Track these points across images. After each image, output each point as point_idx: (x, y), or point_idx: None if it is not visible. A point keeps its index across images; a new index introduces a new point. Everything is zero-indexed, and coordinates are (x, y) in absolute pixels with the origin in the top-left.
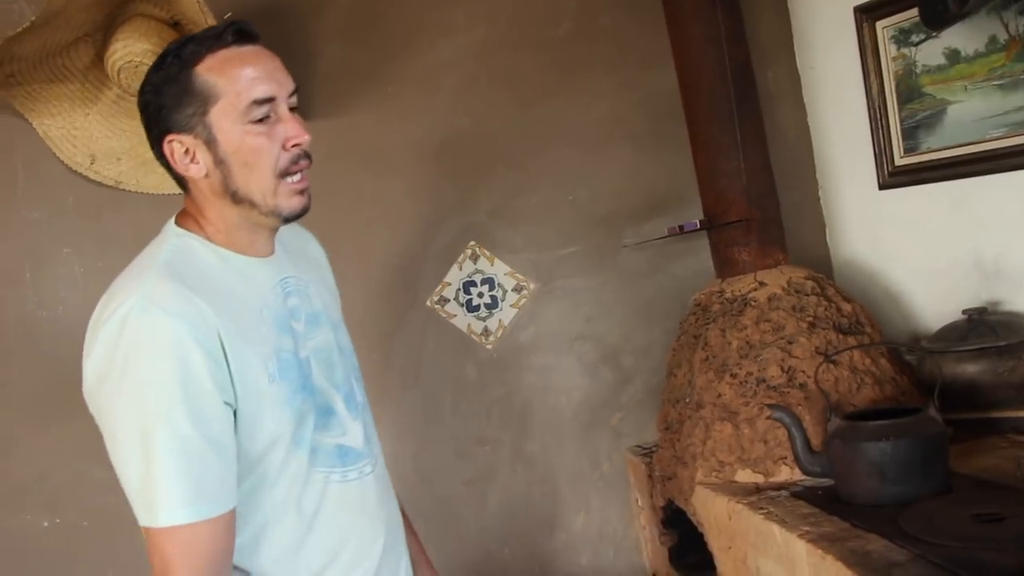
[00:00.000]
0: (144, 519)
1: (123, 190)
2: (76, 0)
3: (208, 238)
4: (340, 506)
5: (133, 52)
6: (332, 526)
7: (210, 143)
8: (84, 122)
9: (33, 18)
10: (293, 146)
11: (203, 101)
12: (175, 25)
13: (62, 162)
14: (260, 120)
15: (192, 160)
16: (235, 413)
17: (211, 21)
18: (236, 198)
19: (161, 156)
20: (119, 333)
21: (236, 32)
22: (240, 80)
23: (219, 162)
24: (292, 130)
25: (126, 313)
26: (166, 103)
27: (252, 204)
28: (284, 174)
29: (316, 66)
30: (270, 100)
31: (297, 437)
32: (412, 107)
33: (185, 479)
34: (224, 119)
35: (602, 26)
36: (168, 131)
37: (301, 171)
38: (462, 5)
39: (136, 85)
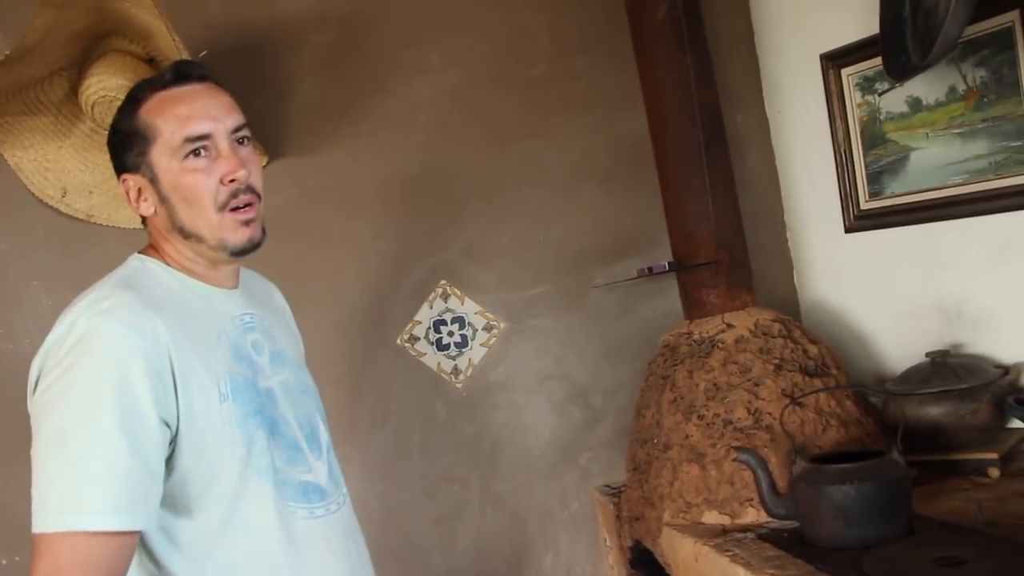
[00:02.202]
0: (40, 523)
1: (94, 224)
2: (52, 36)
3: (170, 265)
4: (308, 542)
5: (108, 87)
6: (299, 563)
7: (153, 181)
8: (57, 155)
9: (7, 52)
10: (230, 181)
11: (145, 141)
12: (150, 61)
13: (33, 195)
14: (197, 157)
15: (142, 198)
16: (176, 435)
17: (186, 57)
18: (184, 233)
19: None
20: (66, 334)
21: (176, 73)
22: (174, 119)
23: (163, 200)
24: (227, 165)
25: (75, 318)
26: (119, 143)
27: (199, 239)
28: (224, 208)
29: (290, 104)
30: (205, 137)
31: (256, 464)
32: (385, 145)
33: (107, 485)
34: (162, 158)
35: (575, 68)
36: (122, 170)
37: (243, 205)
38: (437, 45)
39: (110, 119)
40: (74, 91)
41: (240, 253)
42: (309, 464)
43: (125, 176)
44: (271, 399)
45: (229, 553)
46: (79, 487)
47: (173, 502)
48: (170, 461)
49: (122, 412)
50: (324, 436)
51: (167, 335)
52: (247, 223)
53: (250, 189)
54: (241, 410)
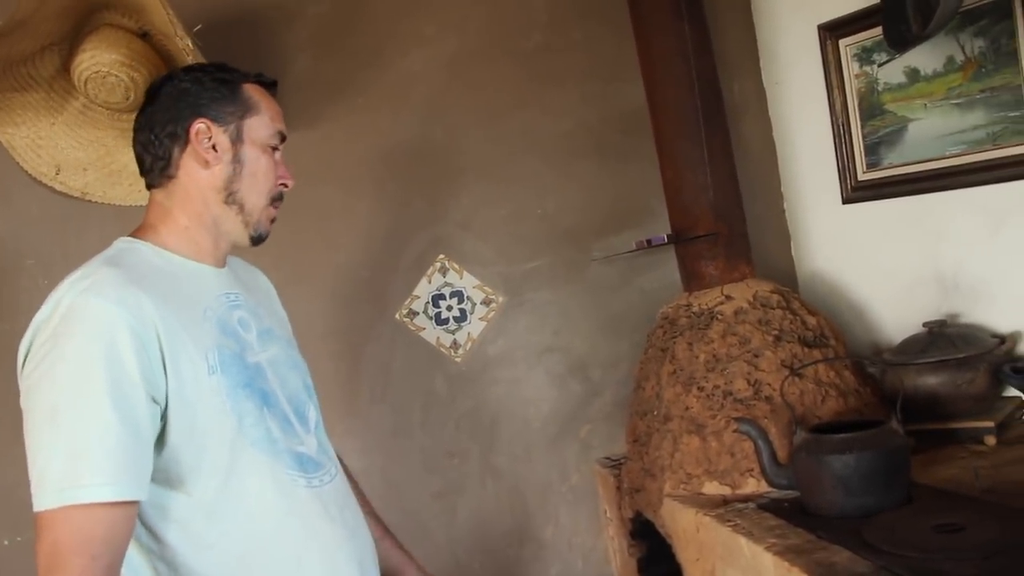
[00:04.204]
0: (40, 501)
1: (89, 201)
2: (42, 9)
3: (160, 245)
4: (309, 511)
5: (101, 62)
6: (300, 530)
7: (236, 142)
8: (49, 132)
9: None
10: (281, 184)
11: (245, 109)
12: (143, 35)
13: (26, 172)
14: (273, 151)
15: (212, 145)
16: (166, 409)
17: (180, 32)
18: (231, 198)
19: (170, 136)
20: (51, 313)
21: (272, 81)
22: (274, 110)
23: (236, 161)
24: (285, 172)
25: (61, 296)
26: (208, 94)
27: (241, 209)
28: (271, 202)
29: (286, 78)
30: (283, 139)
31: (250, 436)
32: (382, 118)
33: (102, 456)
34: (256, 130)
35: (572, 39)
36: (202, 115)
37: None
38: (433, 16)
39: (103, 95)
40: (66, 67)
41: (260, 241)
42: (301, 437)
43: (205, 120)
44: (260, 373)
45: (228, 526)
46: (74, 461)
47: (167, 477)
48: (161, 436)
49: (112, 384)
50: (312, 413)
51: (153, 309)
52: (273, 220)
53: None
54: (230, 381)
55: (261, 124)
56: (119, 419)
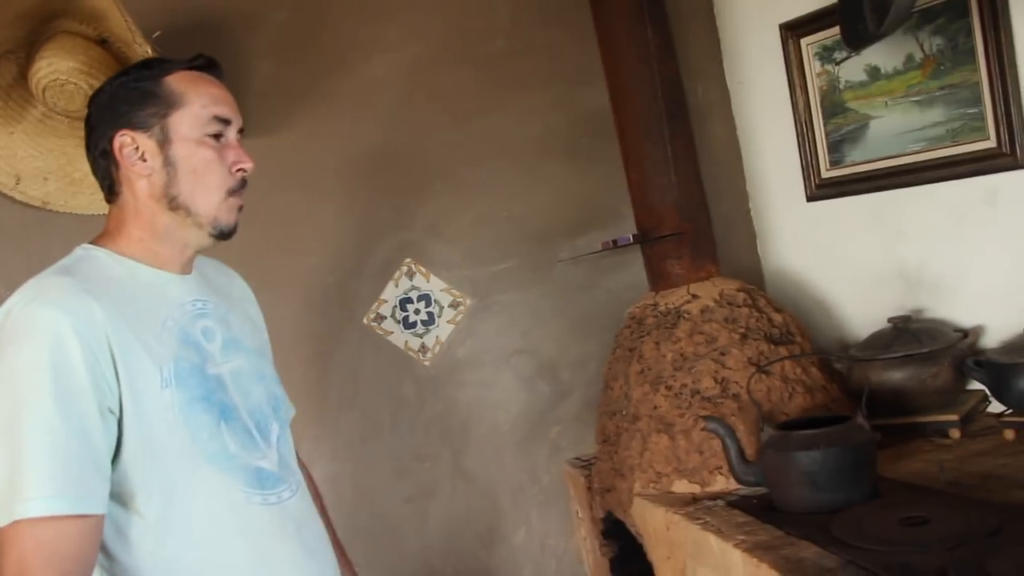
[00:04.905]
0: (2, 516)
1: (50, 211)
2: None
3: (120, 252)
4: (262, 530)
5: (59, 70)
6: (249, 551)
7: (163, 144)
8: (8, 141)
9: None
10: (238, 170)
11: (167, 105)
12: (102, 42)
13: None
14: (215, 139)
15: (140, 158)
16: (121, 420)
17: (139, 39)
18: (174, 204)
19: (103, 155)
20: (2, 323)
21: (208, 60)
22: (207, 96)
23: (168, 164)
24: (239, 155)
25: (11, 307)
26: (126, 100)
27: (189, 212)
28: (231, 194)
29: (249, 84)
30: (227, 122)
31: (205, 451)
32: (346, 124)
33: (50, 468)
34: (183, 125)
35: (536, 43)
36: (122, 127)
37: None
38: (395, 22)
39: (63, 104)
40: (23, 75)
41: (227, 235)
42: (262, 451)
43: (126, 131)
44: (220, 386)
45: (178, 548)
46: (25, 475)
47: (120, 493)
48: (116, 448)
49: (61, 395)
50: (275, 427)
51: (104, 318)
52: (239, 209)
53: (245, 182)
54: (185, 395)
55: (190, 116)
56: (68, 430)
